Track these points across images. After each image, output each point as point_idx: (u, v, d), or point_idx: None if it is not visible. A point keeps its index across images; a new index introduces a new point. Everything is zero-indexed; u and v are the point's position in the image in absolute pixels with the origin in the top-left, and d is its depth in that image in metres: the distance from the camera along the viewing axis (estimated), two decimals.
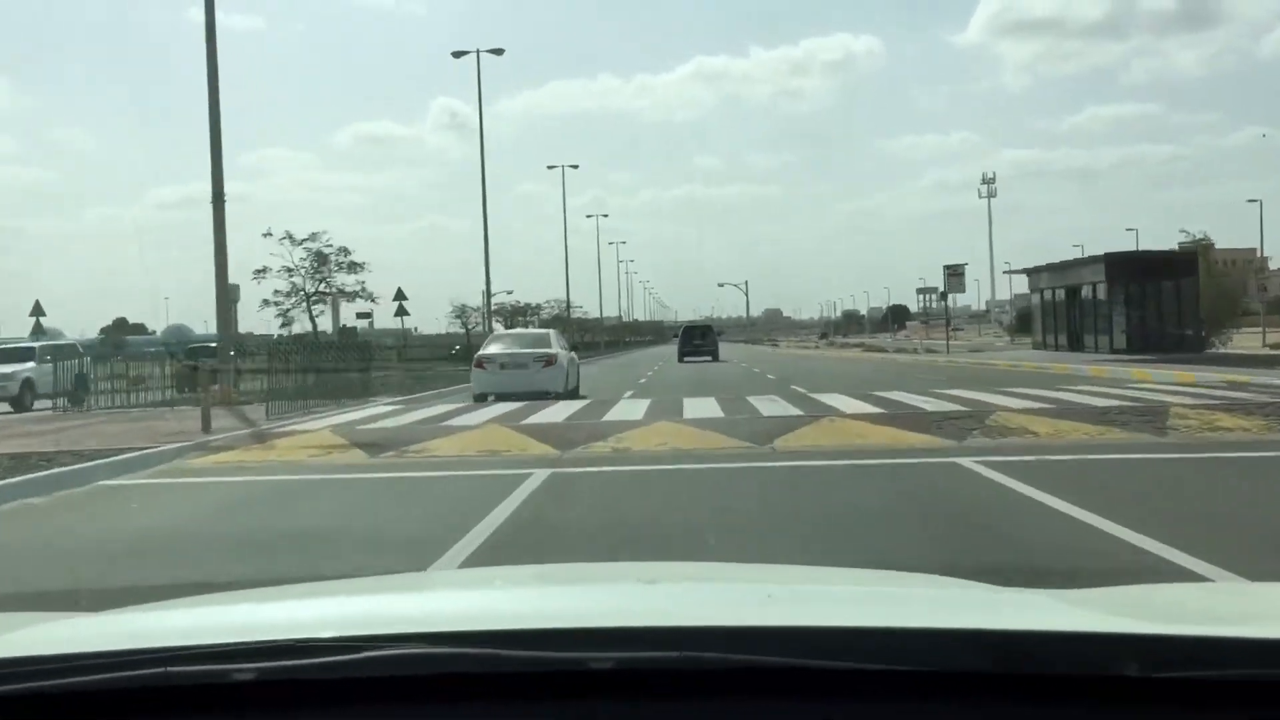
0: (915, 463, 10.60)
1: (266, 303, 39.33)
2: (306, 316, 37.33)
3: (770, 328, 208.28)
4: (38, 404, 23.96)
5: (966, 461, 10.36)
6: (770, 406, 17.17)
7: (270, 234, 36.05)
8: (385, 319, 44.01)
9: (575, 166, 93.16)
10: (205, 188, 22.93)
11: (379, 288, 37.44)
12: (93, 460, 11.51)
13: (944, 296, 52.33)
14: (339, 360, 25.46)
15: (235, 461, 12.28)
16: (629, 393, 24.63)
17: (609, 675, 1.38)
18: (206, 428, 15.14)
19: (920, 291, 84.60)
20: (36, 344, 26.61)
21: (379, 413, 19.13)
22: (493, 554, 6.68)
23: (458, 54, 49.72)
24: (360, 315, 50.05)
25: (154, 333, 76.37)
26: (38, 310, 39.69)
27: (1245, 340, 42.18)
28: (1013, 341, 77.48)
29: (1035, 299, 45.25)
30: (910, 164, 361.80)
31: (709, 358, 51.29)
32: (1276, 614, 1.87)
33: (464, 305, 60.28)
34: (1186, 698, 1.35)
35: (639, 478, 10.32)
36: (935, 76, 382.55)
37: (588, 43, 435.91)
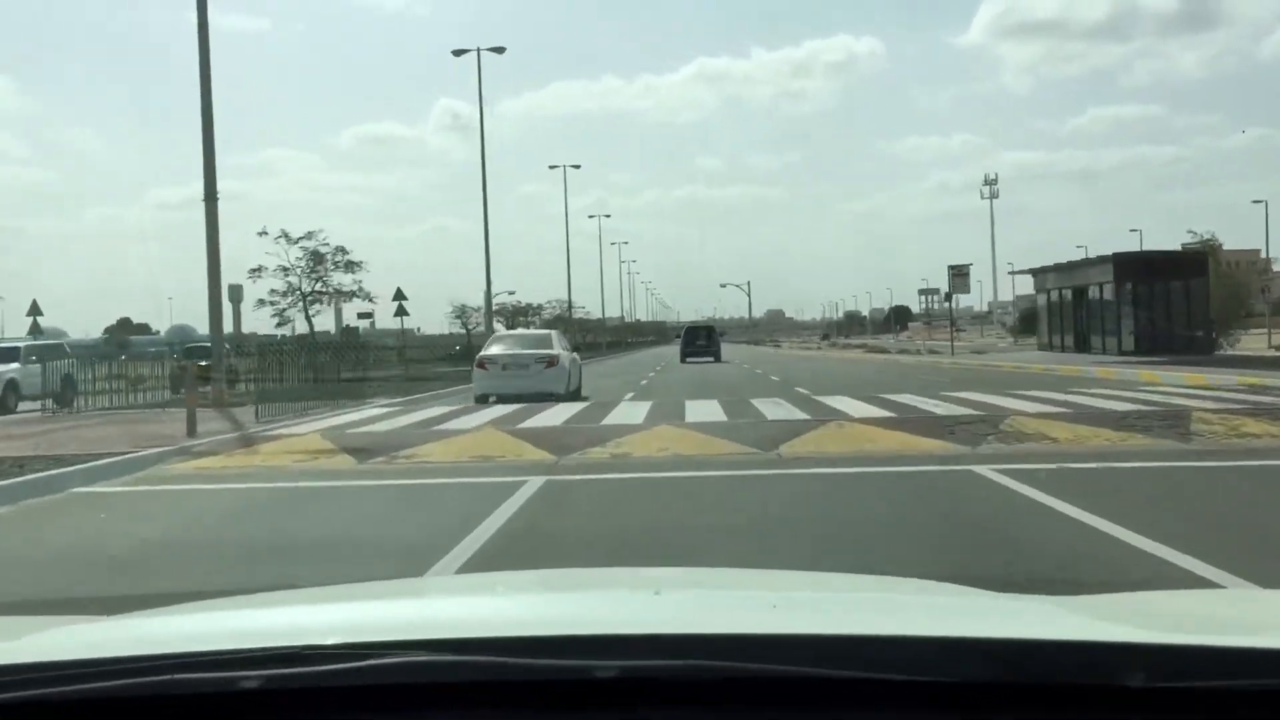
0: (929, 470, 10.08)
1: (262, 302, 38.80)
2: (303, 316, 36.62)
3: (772, 328, 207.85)
4: (23, 406, 23.39)
5: (983, 470, 9.83)
6: (774, 410, 16.66)
7: (265, 233, 35.48)
8: (388, 319, 43.53)
9: (577, 166, 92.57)
10: (203, 188, 22.46)
11: (382, 288, 37.08)
12: (68, 466, 10.99)
13: (949, 297, 51.71)
14: (335, 361, 25.01)
15: (217, 467, 11.77)
16: (630, 395, 24.11)
17: (613, 683, 1.36)
18: (192, 431, 14.63)
19: (922, 293, 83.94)
20: (21, 344, 26.04)
21: (373, 415, 18.63)
22: (479, 570, 6.17)
23: (458, 52, 49.17)
24: (362, 315, 49.61)
25: (158, 333, 76.10)
26: (35, 310, 39.28)
27: (1251, 342, 41.70)
28: (1016, 343, 76.92)
29: (1041, 300, 44.65)
30: (912, 165, 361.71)
31: (711, 359, 51.16)
32: None
33: (463, 305, 59.71)
34: (1193, 707, 1.35)
35: (638, 486, 9.80)
36: (937, 78, 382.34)
37: (590, 44, 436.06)
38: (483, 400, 22.02)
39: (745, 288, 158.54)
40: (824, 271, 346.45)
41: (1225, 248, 57.45)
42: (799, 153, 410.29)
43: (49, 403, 22.21)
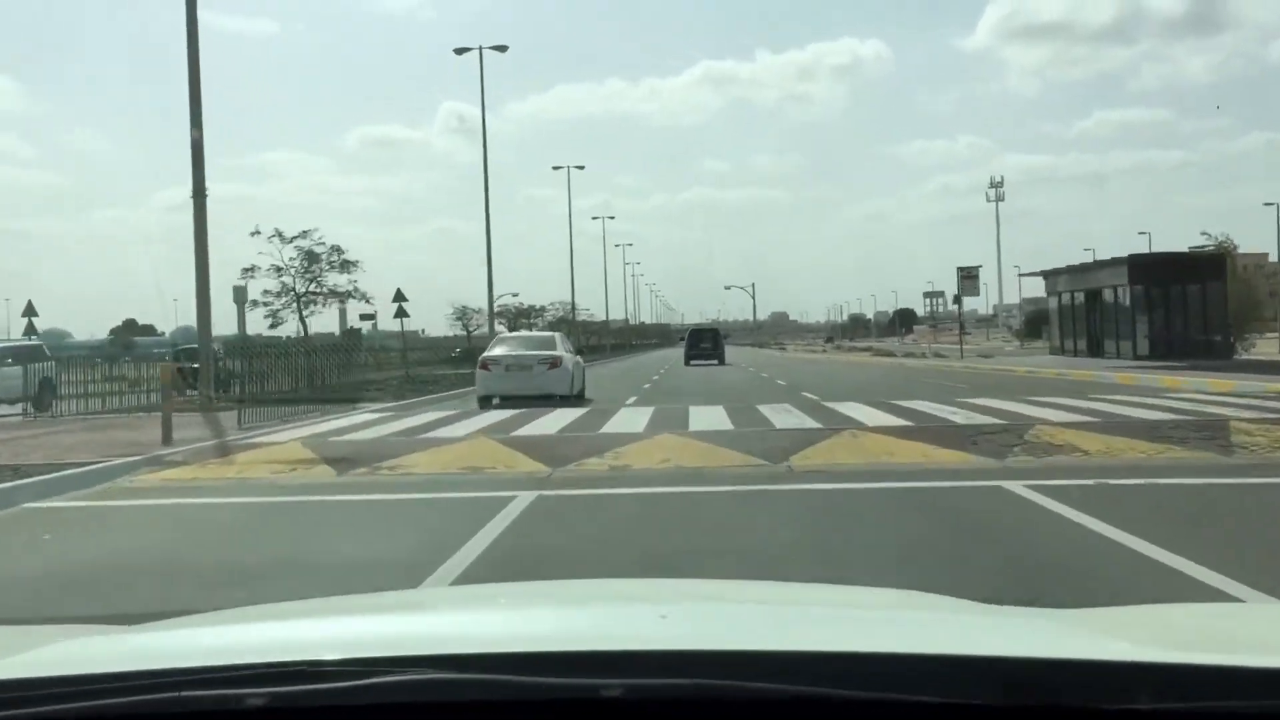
0: (954, 487, 9.26)
1: (255, 303, 37.91)
2: (297, 317, 35.71)
3: (777, 331, 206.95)
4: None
5: (1014, 486, 9.02)
6: (783, 417, 15.83)
7: (259, 232, 34.55)
8: (390, 321, 42.65)
9: (581, 167, 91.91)
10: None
11: (386, 290, 36.13)
12: (24, 478, 10.19)
13: (957, 299, 50.79)
14: (330, 363, 24.21)
15: (187, 479, 10.96)
16: (632, 399, 23.29)
17: (618, 702, 1.35)
18: (167, 439, 13.84)
19: (927, 295, 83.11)
20: None
21: (363, 421, 17.81)
22: None
23: (460, 50, 48.40)
24: (364, 317, 48.88)
25: (163, 334, 75.55)
26: (30, 311, 38.52)
27: (1266, 346, 40.83)
28: (1022, 346, 76.07)
29: (1052, 303, 43.76)
30: (917, 168, 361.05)
31: (715, 362, 50.95)
32: None
33: (464, 307, 58.82)
34: None
35: (637, 503, 8.99)
36: (943, 81, 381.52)
37: (595, 47, 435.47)
38: (485, 402, 21.86)
39: (750, 290, 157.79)
40: (828, 274, 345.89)
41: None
42: (804, 156, 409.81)
43: (28, 407, 21.39)
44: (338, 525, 8.49)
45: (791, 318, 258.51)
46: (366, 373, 29.36)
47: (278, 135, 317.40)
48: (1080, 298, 39.44)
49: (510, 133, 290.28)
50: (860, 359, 59.14)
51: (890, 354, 65.18)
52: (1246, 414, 14.03)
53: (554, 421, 16.12)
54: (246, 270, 35.63)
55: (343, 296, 35.43)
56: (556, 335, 25.98)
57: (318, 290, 35.02)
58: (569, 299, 79.52)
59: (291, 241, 34.58)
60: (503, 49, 48.50)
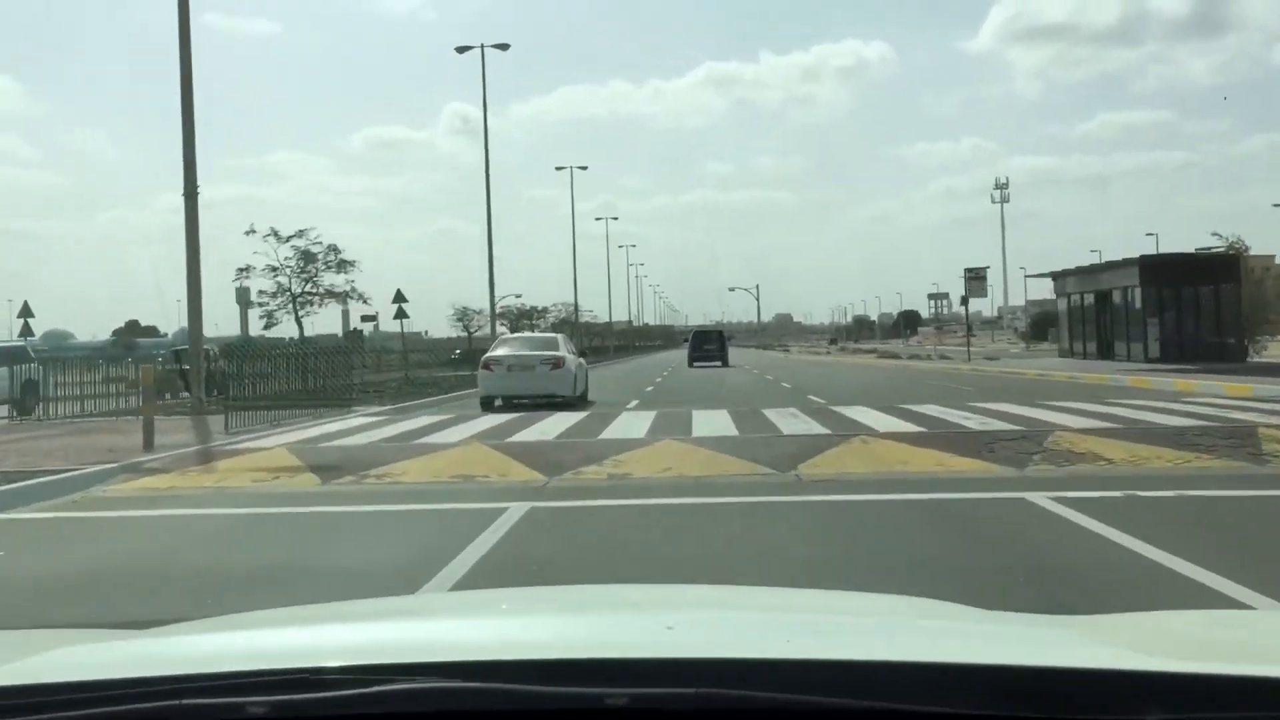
0: (974, 498, 8.70)
1: (251, 304, 37.27)
2: (293, 318, 35.06)
3: (781, 333, 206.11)
4: None
5: (1038, 498, 8.45)
6: (790, 422, 15.25)
7: (254, 231, 33.91)
8: (392, 322, 42.01)
9: (584, 168, 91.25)
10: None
11: (388, 291, 35.50)
12: None
13: (964, 300, 50.10)
14: (326, 365, 23.65)
15: (164, 488, 10.41)
16: (633, 403, 22.73)
17: (622, 711, 1.33)
18: (149, 444, 13.29)
19: (932, 297, 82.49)
20: None
21: (356, 425, 17.27)
22: None
23: (462, 49, 47.97)
24: (365, 318, 48.34)
25: (165, 335, 75.08)
26: (26, 311, 38.01)
27: (1278, 349, 40.18)
28: (1028, 348, 75.40)
29: (1061, 304, 43.06)
30: (922, 170, 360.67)
31: (719, 363, 50.56)
32: None
33: (465, 308, 58.19)
34: None
35: (636, 516, 8.44)
36: (946, 83, 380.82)
37: (598, 49, 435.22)
38: (487, 403, 21.75)
39: (754, 291, 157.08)
40: (832, 276, 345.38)
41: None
42: (807, 157, 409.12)
43: (11, 410, 20.82)
44: (314, 540, 7.94)
45: (795, 319, 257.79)
46: (365, 374, 28.83)
47: (282, 136, 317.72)
48: (1089, 299, 38.80)
49: (513, 134, 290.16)
50: (865, 361, 58.53)
51: (895, 356, 64.61)
52: (1273, 419, 13.45)
53: (552, 426, 15.57)
54: (241, 270, 35.03)
55: (340, 297, 34.77)
56: (559, 336, 25.64)
57: (314, 291, 34.36)
58: (572, 300, 79.07)
59: (288, 241, 33.98)
60: (504, 47, 48.07)
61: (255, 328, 42.09)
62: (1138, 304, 34.34)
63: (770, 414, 16.82)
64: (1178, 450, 10.89)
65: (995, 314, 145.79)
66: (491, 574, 6.35)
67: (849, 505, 8.61)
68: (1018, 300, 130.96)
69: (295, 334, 36.25)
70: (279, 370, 20.51)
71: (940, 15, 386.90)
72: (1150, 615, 2.15)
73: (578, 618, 2.03)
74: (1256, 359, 35.12)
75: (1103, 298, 37.51)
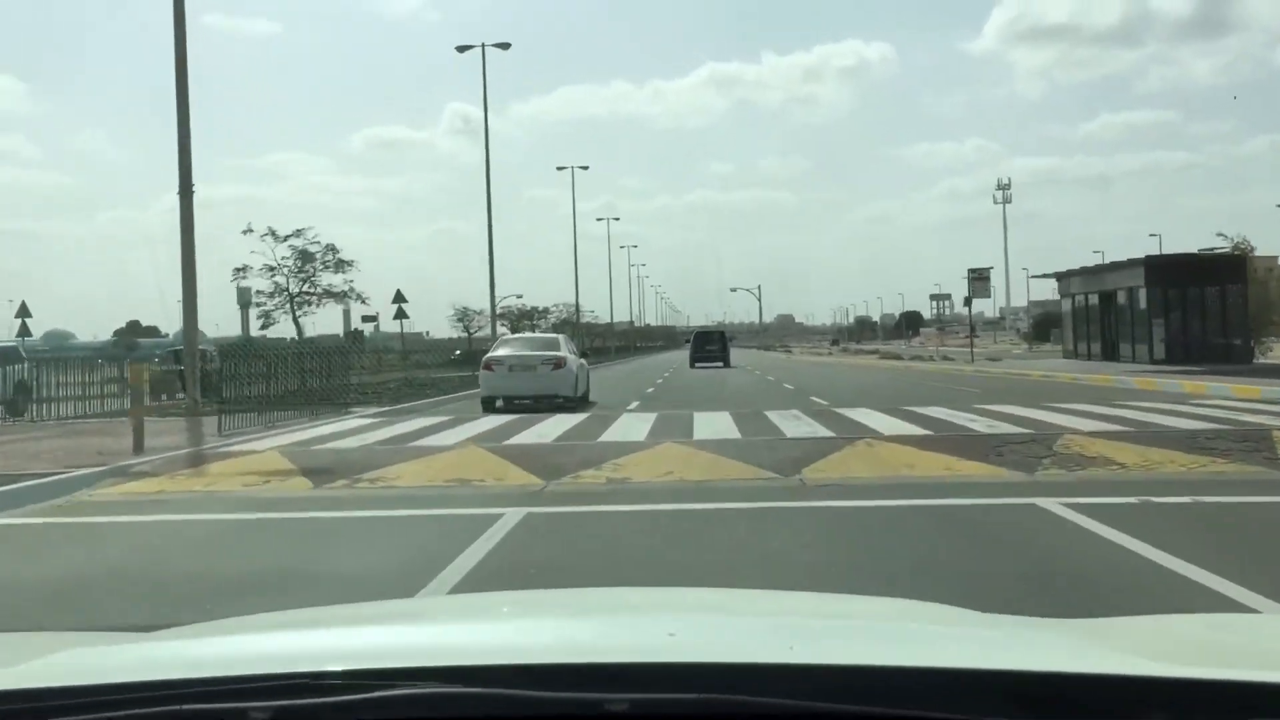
0: (984, 504, 8.44)
1: (251, 304, 36.98)
2: (290, 318, 34.77)
3: (782, 333, 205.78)
4: None
5: (1049, 504, 8.19)
6: (794, 425, 14.98)
7: (251, 230, 33.61)
8: (393, 322, 41.68)
9: (585, 167, 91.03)
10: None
11: (388, 291, 35.18)
12: None
13: (968, 301, 49.76)
14: (324, 365, 23.40)
15: (150, 493, 10.15)
16: (634, 404, 22.47)
17: (623, 716, 1.33)
18: (139, 447, 13.04)
19: (934, 298, 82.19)
20: None
21: (353, 427, 17.01)
22: None
23: (462, 48, 47.73)
24: (366, 319, 48.09)
25: (167, 336, 74.87)
26: (23, 311, 37.79)
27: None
28: (1030, 349, 75.06)
29: (1065, 305, 42.75)
30: (923, 171, 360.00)
31: (721, 364, 50.34)
32: None
33: (465, 308, 57.90)
34: None
35: (636, 522, 8.19)
36: (949, 83, 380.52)
37: (599, 49, 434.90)
38: (489, 403, 21.60)
39: (755, 292, 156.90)
40: (834, 276, 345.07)
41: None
42: (809, 158, 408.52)
43: (2, 411, 20.54)
44: (302, 547, 7.68)
45: (797, 320, 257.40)
46: (364, 375, 28.55)
47: (283, 137, 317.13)
48: (1094, 300, 38.48)
49: (514, 134, 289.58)
50: (867, 362, 58.23)
51: (897, 357, 64.32)
52: None
53: (551, 428, 15.32)
54: (239, 270, 34.73)
55: (338, 297, 34.50)
56: (561, 337, 25.49)
57: (312, 290, 34.06)
58: (573, 300, 78.80)
59: (285, 240, 33.66)
60: (505, 46, 47.83)
61: (257, 328, 41.84)
62: (1143, 305, 34.03)
63: (773, 416, 16.55)
64: (1190, 454, 10.63)
65: (997, 315, 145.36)
66: (484, 583, 6.11)
67: (854, 511, 8.35)
68: (1020, 301, 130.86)
69: (294, 334, 35.98)
70: (275, 371, 20.25)
71: (942, 16, 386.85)
72: (1152, 618, 2.13)
73: (578, 621, 2.01)
74: (1262, 360, 34.84)
75: (1107, 298, 37.21)
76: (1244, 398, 19.19)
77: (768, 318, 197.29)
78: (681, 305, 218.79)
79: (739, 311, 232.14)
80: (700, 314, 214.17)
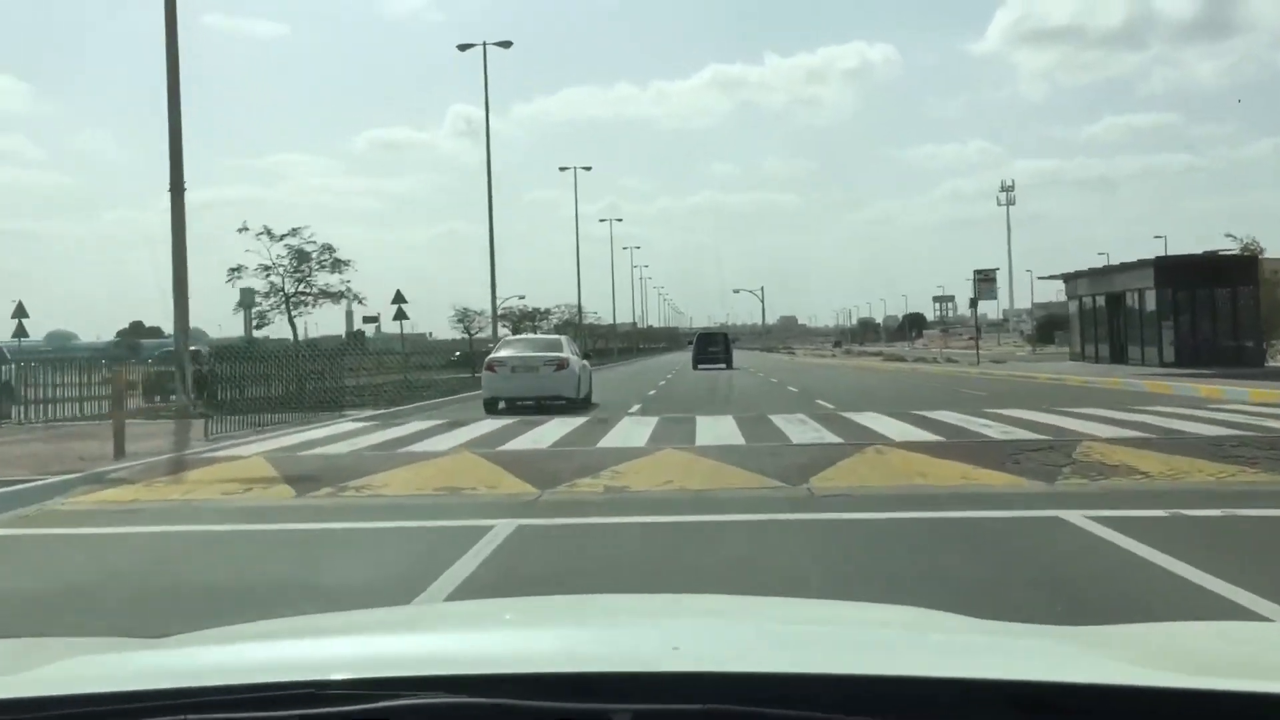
0: (1005, 517, 7.94)
1: (253, 304, 36.45)
2: (285, 318, 34.18)
3: (785, 335, 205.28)
4: None
5: (1074, 517, 7.69)
6: (799, 430, 14.47)
7: (246, 228, 33.09)
8: (392, 323, 41.14)
9: (588, 168, 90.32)
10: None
11: (391, 292, 34.59)
12: None
13: (973, 302, 49.28)
14: (321, 367, 22.92)
15: (125, 502, 9.66)
16: (635, 407, 21.96)
17: None
18: (120, 452, 12.56)
19: (937, 300, 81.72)
20: None
21: (345, 430, 16.53)
22: None
23: (463, 46, 47.35)
24: (367, 319, 47.63)
25: (169, 336, 74.45)
26: (20, 312, 37.31)
27: None
28: (1034, 351, 74.55)
29: (1072, 306, 42.21)
30: (926, 173, 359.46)
31: (723, 365, 50.07)
32: None
33: (465, 309, 57.39)
34: None
35: (634, 535, 7.69)
36: (952, 85, 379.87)
37: (603, 50, 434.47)
38: (491, 405, 21.39)
39: (759, 294, 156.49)
40: (837, 278, 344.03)
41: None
42: (812, 159, 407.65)
43: None
44: (270, 564, 7.13)
45: (800, 322, 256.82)
46: (362, 376, 28.07)
47: (287, 138, 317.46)
48: (1101, 301, 37.96)
49: (517, 136, 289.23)
50: (871, 364, 57.73)
51: (901, 359, 63.84)
52: None
53: (549, 433, 14.83)
54: (233, 270, 34.16)
55: (335, 297, 33.96)
56: (563, 338, 25.18)
57: (308, 290, 33.54)
58: (575, 301, 78.28)
59: (281, 240, 33.15)
60: (506, 45, 47.42)
61: (264, 330, 41.35)
62: (1152, 306, 33.52)
63: (777, 420, 16.05)
64: (1217, 463, 10.13)
65: (1000, 316, 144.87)
66: None
67: (867, 524, 7.85)
68: (1022, 303, 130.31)
69: (289, 335, 35.49)
70: (270, 372, 19.77)
71: (945, 17, 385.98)
72: (1161, 626, 2.08)
73: (582, 630, 1.97)
74: (1274, 363, 34.34)
75: (1116, 300, 36.67)
76: (1263, 402, 18.68)
77: (770, 319, 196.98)
78: (684, 306, 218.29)
79: (741, 313, 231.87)
80: (703, 315, 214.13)
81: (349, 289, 34.75)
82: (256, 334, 39.50)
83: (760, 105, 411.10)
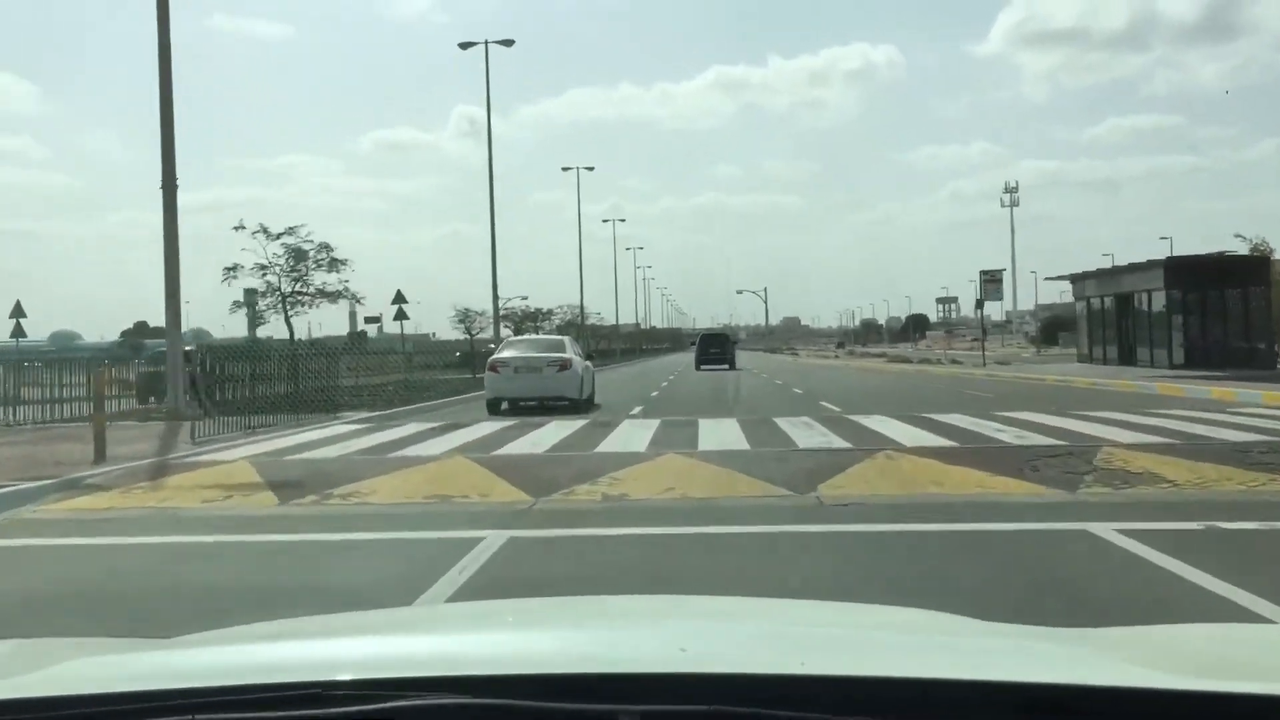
0: (1027, 529, 7.45)
1: (238, 304, 35.98)
2: (282, 318, 33.68)
3: (788, 336, 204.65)
4: None
5: (1101, 529, 7.21)
6: (805, 434, 13.99)
7: (243, 227, 32.59)
8: (393, 323, 40.68)
9: (590, 168, 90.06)
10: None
11: (392, 292, 34.11)
12: None
13: (979, 303, 48.72)
14: (318, 367, 22.46)
15: (99, 509, 9.19)
16: (637, 409, 21.46)
17: None
18: (100, 456, 12.10)
19: (940, 301, 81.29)
20: None
21: (338, 433, 16.06)
22: None
23: (465, 45, 46.91)
24: (369, 320, 47.14)
25: None
26: (18, 311, 36.88)
27: None
28: (1039, 353, 74.02)
29: (1080, 307, 41.66)
30: (930, 174, 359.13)
31: (726, 366, 49.78)
32: None
33: (466, 309, 56.88)
34: None
35: (632, 549, 7.22)
36: (955, 87, 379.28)
37: (607, 52, 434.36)
38: (494, 406, 21.28)
39: (762, 294, 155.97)
40: (840, 279, 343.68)
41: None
42: (816, 161, 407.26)
43: None
44: (242, 579, 6.63)
45: (803, 323, 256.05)
46: (362, 377, 27.60)
47: (292, 139, 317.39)
48: (1109, 303, 37.43)
49: (521, 137, 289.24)
50: (875, 365, 57.25)
51: (906, 360, 63.38)
52: None
53: (547, 436, 14.36)
54: (229, 269, 33.67)
55: (332, 296, 33.46)
56: (566, 339, 24.94)
57: (304, 290, 33.05)
58: (577, 302, 77.77)
59: (278, 238, 32.65)
60: (509, 43, 46.97)
61: (260, 329, 40.87)
62: (1161, 307, 33.00)
63: (782, 424, 15.57)
64: (1246, 470, 9.65)
65: (1004, 317, 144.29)
66: None
67: (880, 537, 7.38)
68: (1026, 304, 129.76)
69: (286, 335, 35.02)
70: (264, 372, 19.31)
71: (948, 19, 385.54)
72: (1163, 629, 2.08)
73: (588, 630, 1.96)
74: None
75: (1124, 301, 36.15)
76: (1277, 405, 18.19)
77: (773, 320, 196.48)
78: (687, 307, 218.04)
79: (745, 314, 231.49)
80: (706, 316, 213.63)
81: (347, 288, 34.28)
82: (267, 335, 39.00)
83: (763, 107, 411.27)
